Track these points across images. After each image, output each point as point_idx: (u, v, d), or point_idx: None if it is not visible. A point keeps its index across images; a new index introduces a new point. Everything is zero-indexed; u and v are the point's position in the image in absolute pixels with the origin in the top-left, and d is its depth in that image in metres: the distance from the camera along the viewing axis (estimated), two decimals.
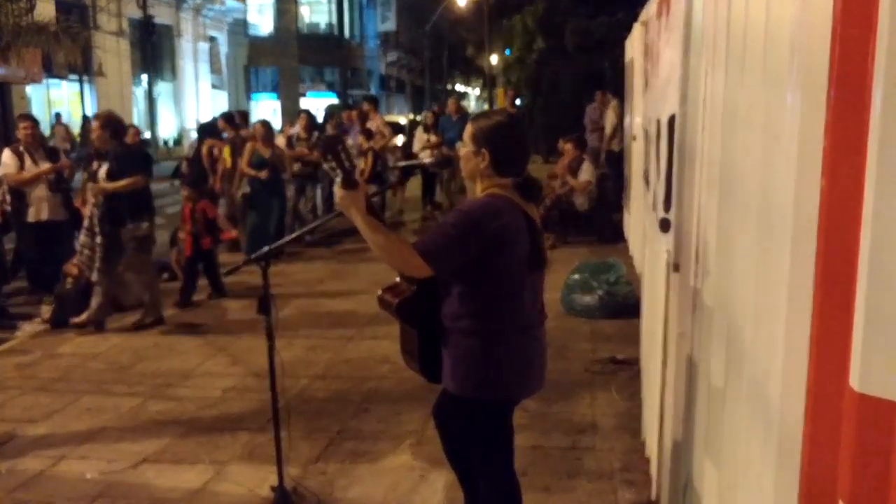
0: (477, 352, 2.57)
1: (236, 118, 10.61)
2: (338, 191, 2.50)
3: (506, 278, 2.54)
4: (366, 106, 12.39)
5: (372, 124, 11.47)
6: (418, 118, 17.38)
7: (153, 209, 6.57)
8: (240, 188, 9.26)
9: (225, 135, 9.61)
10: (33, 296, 7.18)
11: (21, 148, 6.99)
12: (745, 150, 1.93)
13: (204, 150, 9.44)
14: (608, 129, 11.52)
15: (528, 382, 2.68)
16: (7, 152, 7.02)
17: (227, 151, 9.35)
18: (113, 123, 6.18)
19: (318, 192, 11.16)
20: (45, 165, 7.02)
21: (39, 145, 7.28)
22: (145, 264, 6.37)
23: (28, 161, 6.95)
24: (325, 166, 2.54)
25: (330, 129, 11.98)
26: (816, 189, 1.33)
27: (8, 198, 7.08)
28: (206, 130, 10.12)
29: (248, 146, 9.09)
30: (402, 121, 25.25)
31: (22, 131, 7.05)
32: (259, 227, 8.77)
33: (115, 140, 6.13)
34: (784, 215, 1.49)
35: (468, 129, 2.63)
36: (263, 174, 8.90)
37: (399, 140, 14.60)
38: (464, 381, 2.60)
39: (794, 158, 1.43)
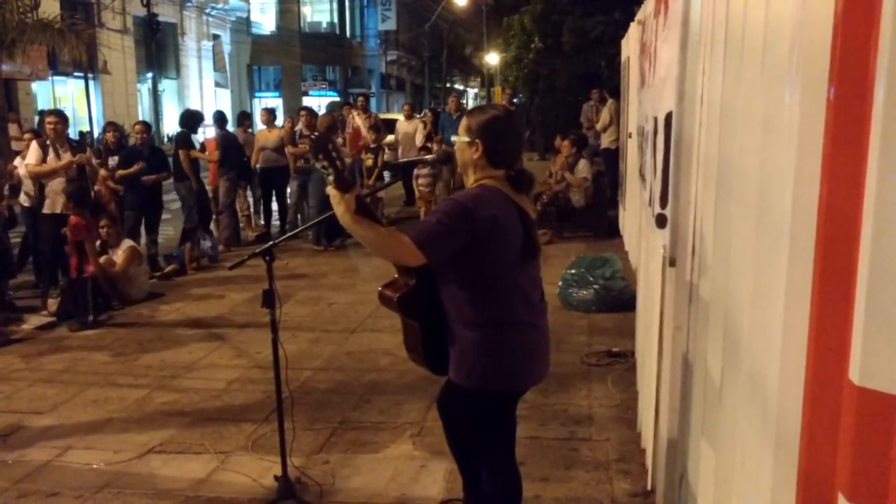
0: (480, 343, 2.58)
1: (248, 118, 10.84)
2: (330, 190, 2.52)
3: (502, 269, 2.57)
4: (349, 106, 12.37)
5: (364, 121, 11.56)
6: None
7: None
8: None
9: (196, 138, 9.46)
10: (39, 289, 7.24)
11: (48, 142, 7.16)
12: (742, 147, 1.94)
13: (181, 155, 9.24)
14: (598, 126, 11.61)
15: (531, 373, 2.71)
16: (34, 144, 7.21)
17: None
18: None
19: None
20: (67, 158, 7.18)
21: (65, 140, 7.44)
22: None
23: (51, 154, 7.11)
24: (318, 166, 2.54)
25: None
26: (816, 183, 1.33)
27: (27, 191, 7.23)
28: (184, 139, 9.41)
29: None
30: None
31: (48, 126, 7.27)
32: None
33: None
34: (783, 210, 1.49)
35: (464, 121, 2.68)
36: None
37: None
38: (469, 372, 2.62)
39: (794, 155, 1.44)
